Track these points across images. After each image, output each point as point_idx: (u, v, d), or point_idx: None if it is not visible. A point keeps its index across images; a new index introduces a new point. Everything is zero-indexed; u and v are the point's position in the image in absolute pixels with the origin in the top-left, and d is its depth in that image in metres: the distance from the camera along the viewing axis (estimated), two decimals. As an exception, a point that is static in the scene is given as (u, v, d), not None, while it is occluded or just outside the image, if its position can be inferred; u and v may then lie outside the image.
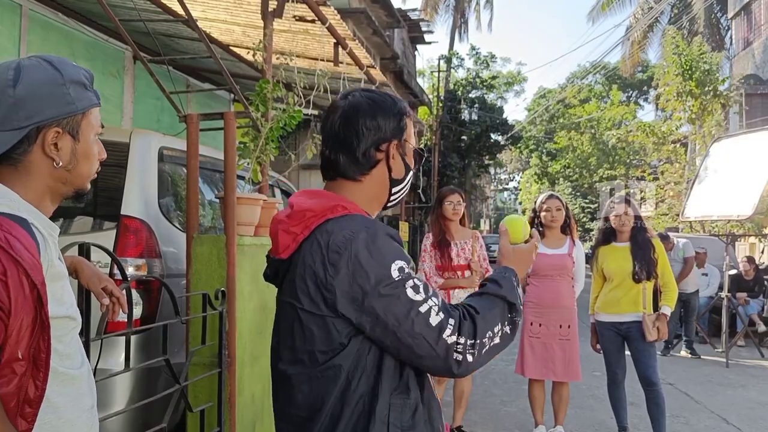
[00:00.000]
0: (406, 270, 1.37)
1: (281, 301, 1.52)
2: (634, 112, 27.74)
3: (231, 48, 6.11)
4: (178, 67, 7.11)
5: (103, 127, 1.42)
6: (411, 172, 1.59)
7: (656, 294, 4.71)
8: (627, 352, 4.75)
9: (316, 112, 9.66)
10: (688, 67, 14.79)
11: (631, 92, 41.67)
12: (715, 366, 8.56)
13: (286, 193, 5.85)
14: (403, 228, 10.65)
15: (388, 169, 1.53)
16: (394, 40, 23.78)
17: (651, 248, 4.64)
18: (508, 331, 1.46)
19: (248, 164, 3.52)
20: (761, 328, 10.03)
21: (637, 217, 4.73)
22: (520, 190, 53.13)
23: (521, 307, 1.51)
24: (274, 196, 5.45)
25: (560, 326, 4.71)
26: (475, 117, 24.94)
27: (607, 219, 4.83)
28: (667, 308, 4.59)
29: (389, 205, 1.62)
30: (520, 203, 54.81)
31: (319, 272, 1.37)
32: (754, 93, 19.18)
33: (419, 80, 28.88)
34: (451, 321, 1.36)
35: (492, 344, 1.41)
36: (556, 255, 4.72)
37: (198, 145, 3.26)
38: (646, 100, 42.31)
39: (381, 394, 1.37)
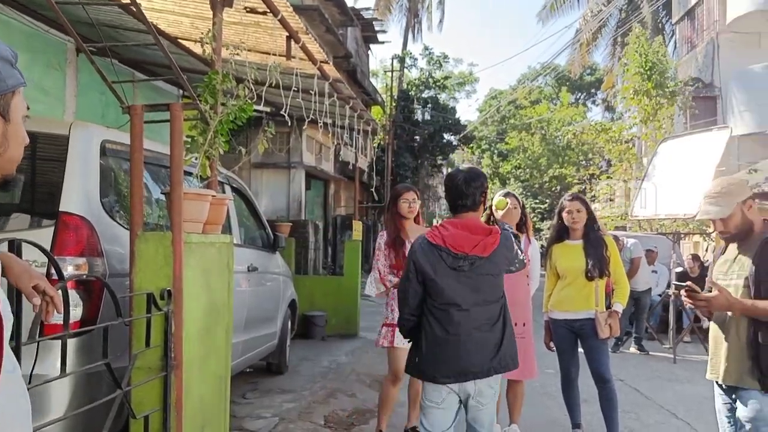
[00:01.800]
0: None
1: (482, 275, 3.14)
2: (583, 114, 28.26)
3: (179, 40, 5.92)
4: (124, 61, 6.86)
5: (28, 108, 1.29)
6: None
7: (609, 292, 4.75)
8: (580, 350, 4.77)
9: (268, 109, 9.50)
10: (648, 68, 15.07)
11: (579, 94, 42.51)
12: (663, 362, 8.74)
13: (238, 191, 5.70)
14: (357, 227, 10.57)
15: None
16: (348, 38, 23.68)
17: (603, 246, 4.66)
18: None
19: (196, 159, 3.38)
20: (706, 324, 10.28)
21: (590, 215, 4.75)
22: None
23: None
24: (224, 192, 5.29)
25: (515, 324, 4.67)
26: (428, 117, 25.01)
27: (561, 216, 4.84)
28: (619, 305, 4.63)
29: None
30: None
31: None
32: (698, 96, 19.70)
33: (373, 80, 28.83)
34: None
35: None
36: (514, 254, 4.71)
37: (142, 138, 3.11)
38: (593, 102, 43.23)
39: None
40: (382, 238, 4.83)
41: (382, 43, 31.64)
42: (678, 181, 8.58)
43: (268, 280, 6.03)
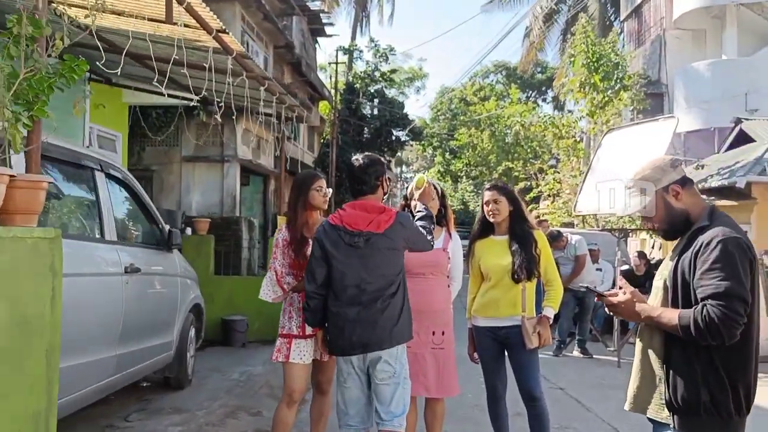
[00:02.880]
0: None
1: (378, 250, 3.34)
2: (533, 110, 27.96)
3: None
4: None
5: None
6: None
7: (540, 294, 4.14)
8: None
9: (197, 96, 8.68)
10: (595, 59, 14.66)
11: (530, 92, 42.43)
12: (608, 367, 8.23)
13: (118, 180, 4.89)
14: (282, 222, 9.79)
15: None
16: (293, 30, 22.83)
17: (532, 242, 4.03)
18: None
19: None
20: (652, 324, 9.87)
21: (515, 206, 4.11)
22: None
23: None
24: (94, 181, 4.47)
25: (433, 333, 4.02)
26: (375, 111, 24.26)
27: (482, 207, 4.20)
28: (550, 310, 4.01)
29: None
30: (425, 201, 54.76)
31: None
32: (645, 93, 19.52)
33: (322, 75, 27.97)
34: None
35: None
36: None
37: None
38: (544, 100, 43.25)
39: None
40: (281, 233, 4.10)
41: (330, 36, 30.90)
42: (623, 174, 8.06)
43: (157, 282, 5.24)
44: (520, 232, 4.04)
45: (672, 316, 2.24)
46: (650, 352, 2.39)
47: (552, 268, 4.10)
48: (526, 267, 3.95)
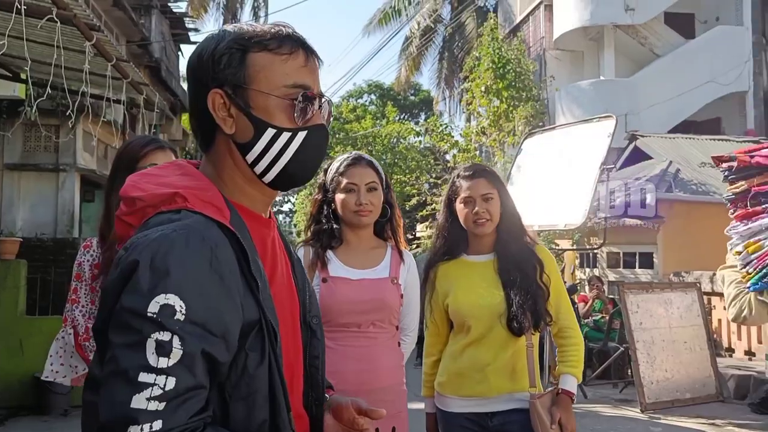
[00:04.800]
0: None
1: None
2: (411, 130, 27.11)
3: None
4: None
5: None
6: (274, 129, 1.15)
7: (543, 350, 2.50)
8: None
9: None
10: (501, 65, 13.66)
11: (404, 115, 41.89)
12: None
13: None
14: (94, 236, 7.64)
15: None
16: (152, 31, 20.39)
17: (536, 266, 2.42)
18: None
19: None
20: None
21: (506, 206, 2.49)
22: (296, 211, 51.02)
23: None
24: None
25: (377, 430, 2.26)
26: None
27: (450, 210, 2.53)
28: (572, 380, 2.40)
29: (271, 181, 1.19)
30: (295, 225, 52.79)
31: None
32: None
33: (185, 86, 25.45)
34: None
35: None
36: (365, 282, 2.31)
37: None
38: (417, 123, 42.90)
39: None
40: (89, 252, 2.22)
41: (195, 43, 28.52)
42: (552, 184, 6.76)
43: None
44: (516, 249, 2.41)
45: None
46: None
47: (567, 308, 2.50)
48: (532, 309, 2.32)
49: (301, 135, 1.16)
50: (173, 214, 1.07)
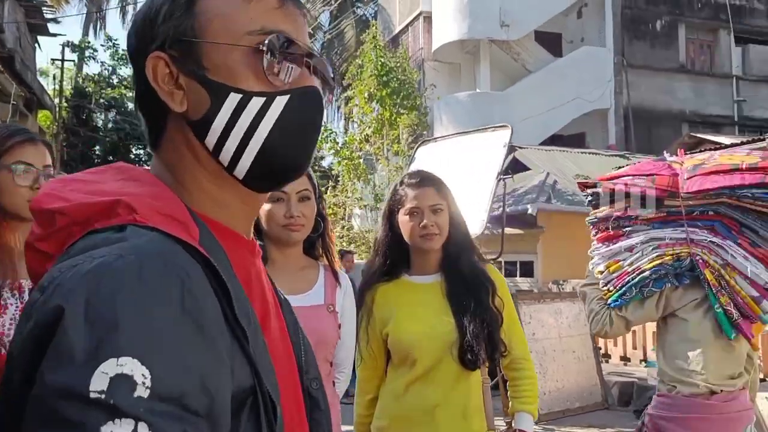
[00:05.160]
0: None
1: None
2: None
3: None
4: None
5: None
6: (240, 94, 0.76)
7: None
8: None
9: None
10: (384, 72, 13.49)
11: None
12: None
13: None
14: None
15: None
16: (4, 18, 18.60)
17: (488, 287, 2.13)
18: None
19: None
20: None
21: (454, 217, 2.20)
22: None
23: None
24: None
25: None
26: (110, 124, 20.59)
27: (390, 223, 2.19)
28: (527, 417, 2.14)
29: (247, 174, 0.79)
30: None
31: None
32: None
33: (44, 81, 23.50)
34: None
35: None
36: (296, 311, 1.91)
37: None
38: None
39: None
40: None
41: (55, 35, 26.43)
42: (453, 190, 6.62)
43: None
44: (467, 269, 2.11)
45: None
46: None
47: (520, 337, 2.25)
48: (487, 339, 2.03)
49: (281, 100, 0.77)
50: (113, 233, 0.67)
